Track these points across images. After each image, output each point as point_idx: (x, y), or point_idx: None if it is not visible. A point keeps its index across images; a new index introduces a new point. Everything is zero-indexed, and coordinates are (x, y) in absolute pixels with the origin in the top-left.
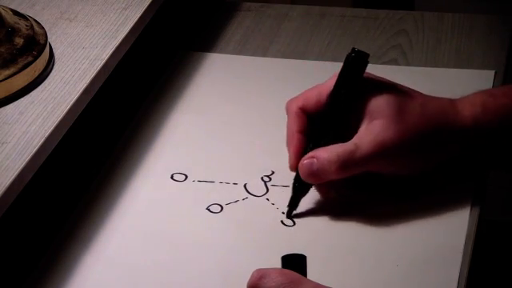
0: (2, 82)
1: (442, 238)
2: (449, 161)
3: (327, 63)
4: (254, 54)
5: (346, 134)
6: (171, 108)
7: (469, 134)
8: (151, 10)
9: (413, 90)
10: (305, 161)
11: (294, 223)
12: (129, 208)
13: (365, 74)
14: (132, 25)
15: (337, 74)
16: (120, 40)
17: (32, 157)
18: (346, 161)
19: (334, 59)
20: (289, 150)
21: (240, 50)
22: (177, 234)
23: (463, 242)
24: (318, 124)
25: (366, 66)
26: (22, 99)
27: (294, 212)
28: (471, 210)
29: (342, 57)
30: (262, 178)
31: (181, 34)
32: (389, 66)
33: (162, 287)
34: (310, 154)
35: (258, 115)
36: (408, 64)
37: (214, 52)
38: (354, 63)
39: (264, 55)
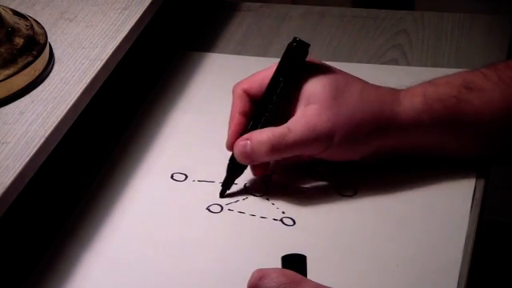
0: (2, 82)
1: (442, 237)
2: (388, 150)
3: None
4: (254, 54)
5: (286, 119)
6: (171, 108)
7: (407, 124)
8: (151, 10)
9: (356, 77)
10: (240, 142)
11: (294, 223)
12: (129, 208)
13: (307, 59)
14: (132, 25)
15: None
16: (120, 40)
17: (32, 157)
18: (276, 143)
19: (334, 59)
20: (228, 130)
21: (240, 50)
22: (177, 233)
23: (463, 242)
24: (257, 107)
25: (306, 55)
26: (21, 99)
27: (228, 192)
28: (471, 210)
29: (342, 57)
30: (262, 178)
31: (181, 34)
32: (389, 66)
33: (162, 287)
34: (245, 136)
35: None
36: (408, 64)
37: (214, 52)
38: (295, 52)
39: (264, 55)
